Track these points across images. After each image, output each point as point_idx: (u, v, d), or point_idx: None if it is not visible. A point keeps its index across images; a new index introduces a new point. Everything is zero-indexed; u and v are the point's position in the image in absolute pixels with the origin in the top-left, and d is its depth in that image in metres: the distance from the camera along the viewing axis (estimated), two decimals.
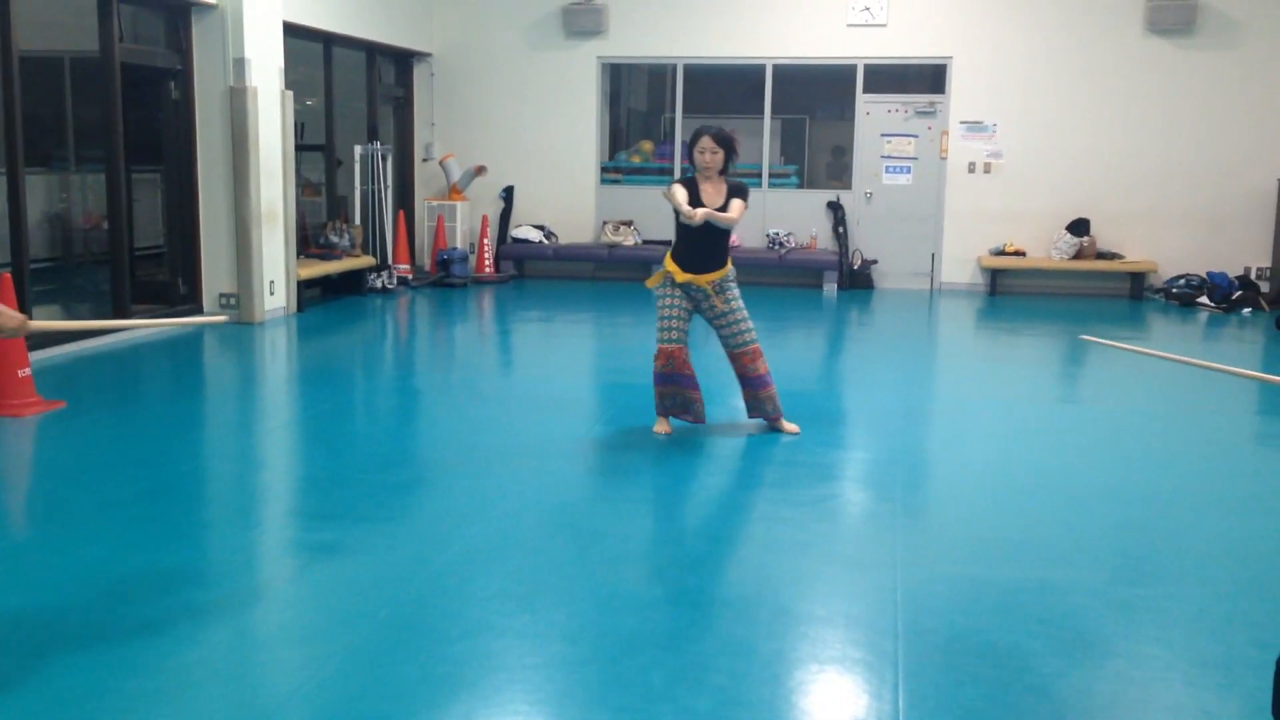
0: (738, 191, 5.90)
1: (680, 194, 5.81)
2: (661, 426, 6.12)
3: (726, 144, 5.83)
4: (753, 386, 6.09)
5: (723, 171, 5.92)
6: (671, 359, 5.96)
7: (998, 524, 4.75)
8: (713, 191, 5.89)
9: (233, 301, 9.76)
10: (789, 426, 6.16)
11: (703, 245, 5.90)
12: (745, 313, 6.05)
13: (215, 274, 9.80)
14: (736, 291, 6.02)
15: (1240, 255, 12.18)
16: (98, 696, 3.11)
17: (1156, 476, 5.52)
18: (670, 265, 5.98)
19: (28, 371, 6.45)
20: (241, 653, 3.50)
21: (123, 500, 4.89)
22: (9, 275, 6.72)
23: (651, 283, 6.09)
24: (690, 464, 5.71)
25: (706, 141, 5.83)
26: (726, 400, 6.72)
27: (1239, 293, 11.62)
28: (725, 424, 6.34)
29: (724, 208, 5.83)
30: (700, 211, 5.65)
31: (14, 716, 3.00)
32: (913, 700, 3.17)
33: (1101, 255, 12.40)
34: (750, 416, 6.23)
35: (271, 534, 4.65)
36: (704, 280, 5.93)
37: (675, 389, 6.05)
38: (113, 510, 4.74)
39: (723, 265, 5.96)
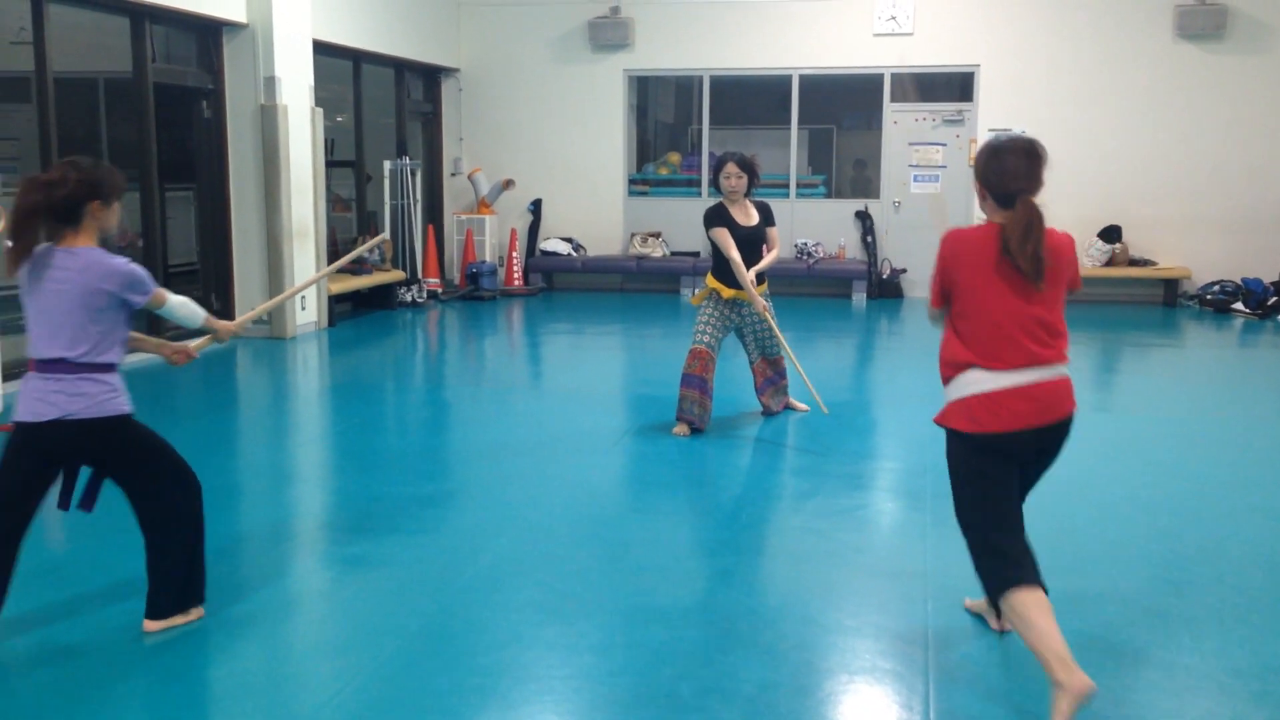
0: (768, 215, 6.50)
1: (730, 243, 6.28)
2: (681, 429, 6.33)
3: (749, 169, 6.40)
4: (778, 379, 6.69)
5: (747, 194, 6.45)
6: (698, 359, 6.27)
7: (1029, 533, 4.70)
8: (741, 213, 6.43)
9: (265, 317, 9.84)
10: (796, 404, 6.81)
11: (747, 263, 6.35)
12: (774, 326, 6.54)
13: (248, 290, 9.90)
14: (768, 307, 6.49)
15: (1276, 260, 12.04)
16: (132, 708, 3.15)
17: (1189, 484, 5.46)
18: (714, 283, 6.43)
19: None
20: (274, 664, 3.53)
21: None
22: None
23: (696, 300, 6.56)
24: (719, 474, 5.71)
25: (731, 168, 6.38)
26: (754, 411, 6.73)
27: (1275, 298, 11.49)
28: (753, 436, 6.33)
29: (758, 229, 6.42)
30: (757, 298, 6.31)
31: None
32: (943, 711, 3.15)
33: (1134, 262, 12.31)
34: (776, 410, 6.69)
35: (304, 547, 4.69)
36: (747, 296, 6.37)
37: (695, 394, 6.28)
38: None
39: (762, 280, 6.47)
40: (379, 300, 11.67)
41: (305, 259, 10.01)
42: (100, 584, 4.08)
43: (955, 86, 13.10)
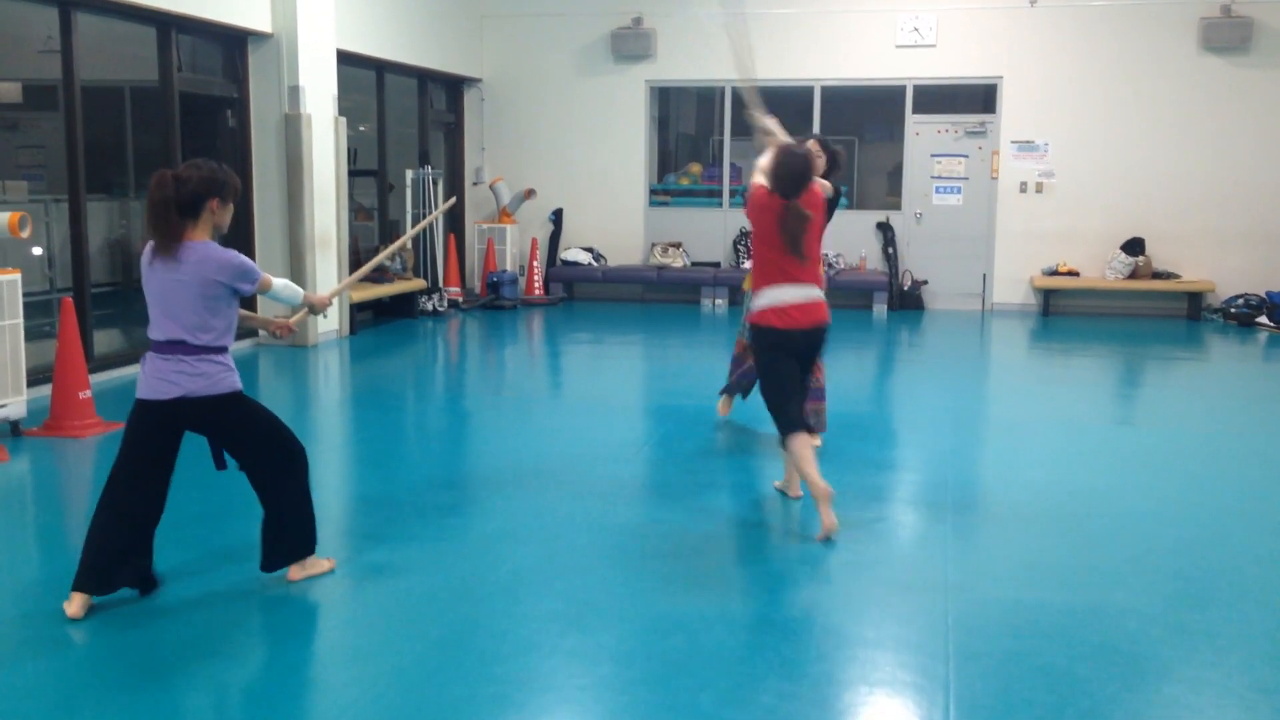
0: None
1: None
2: (722, 407, 6.73)
3: (829, 151, 5.93)
4: (810, 398, 6.20)
5: (829, 178, 6.05)
6: (746, 350, 6.45)
7: (1050, 547, 4.69)
8: None
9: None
10: (816, 441, 6.32)
11: None
12: None
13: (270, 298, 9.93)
14: None
15: None
16: (154, 714, 3.16)
17: (1213, 499, 5.42)
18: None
19: (88, 393, 6.58)
20: (293, 671, 3.54)
21: (180, 521, 4.96)
22: (70, 300, 6.88)
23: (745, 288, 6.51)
24: (739, 485, 5.70)
25: (813, 144, 5.89)
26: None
27: None
28: (773, 444, 6.32)
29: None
30: None
31: None
32: None
33: (1157, 275, 12.24)
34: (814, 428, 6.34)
35: (324, 554, 4.69)
36: None
37: (745, 375, 6.51)
38: (170, 530, 4.81)
39: None
40: (400, 309, 11.71)
41: (328, 267, 10.06)
42: (117, 594, 4.10)
43: (978, 98, 13.07)
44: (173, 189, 3.71)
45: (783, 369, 4.87)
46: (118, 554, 3.86)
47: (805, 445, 4.81)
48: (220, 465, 4.02)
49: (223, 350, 3.83)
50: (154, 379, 3.77)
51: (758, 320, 4.89)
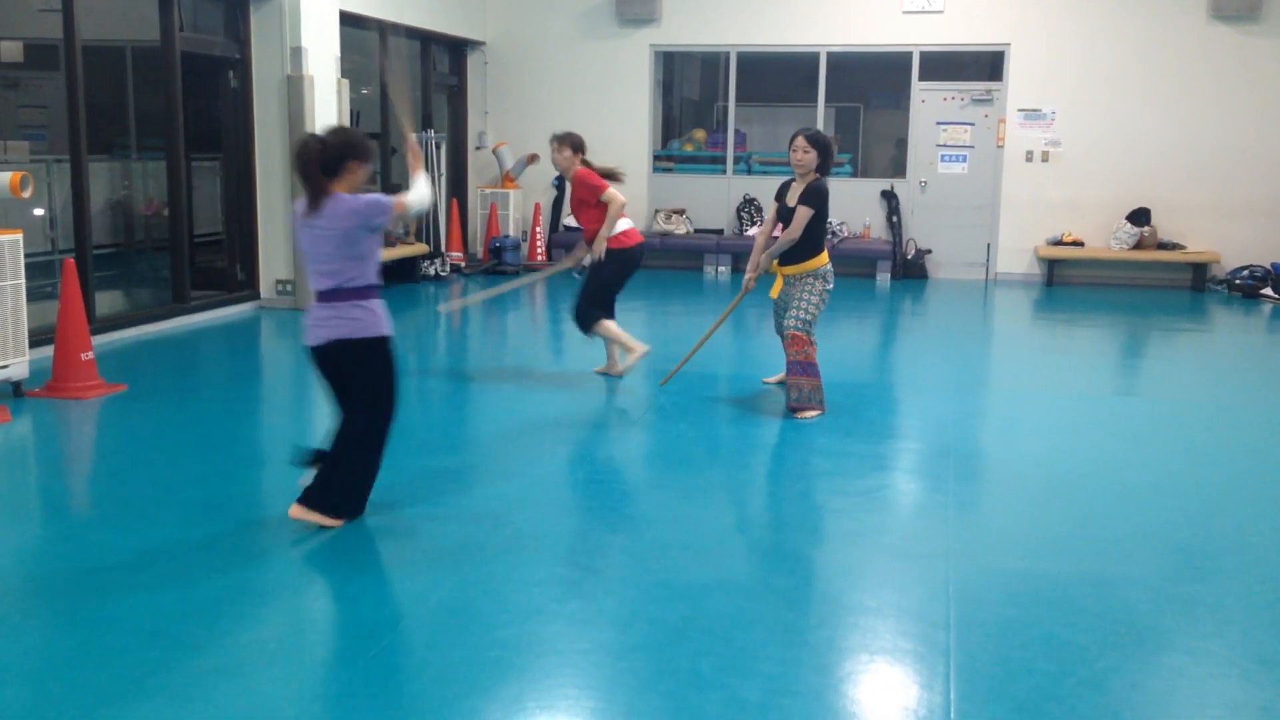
0: (805, 195, 6.12)
1: (769, 216, 6.46)
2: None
3: (819, 145, 6.08)
4: (789, 370, 6.25)
5: (819, 170, 6.13)
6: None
7: (1052, 517, 4.70)
8: (798, 191, 6.19)
9: (289, 288, 9.88)
10: (801, 415, 6.22)
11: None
12: (805, 304, 6.17)
13: (273, 260, 9.93)
14: (814, 287, 6.18)
15: None
16: (159, 674, 3.17)
17: (1215, 470, 5.42)
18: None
19: (90, 355, 6.58)
20: (294, 634, 3.55)
21: (182, 482, 4.98)
22: (72, 261, 6.86)
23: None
24: (740, 452, 5.70)
25: (799, 141, 6.11)
26: (776, 389, 6.70)
27: None
28: (775, 414, 6.32)
29: (795, 209, 6.14)
30: (748, 277, 6.49)
31: (80, 691, 3.07)
32: (964, 692, 3.14)
33: (1162, 246, 12.19)
34: (788, 405, 6.32)
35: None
36: (782, 271, 6.28)
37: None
38: (172, 491, 4.83)
39: (803, 260, 6.17)
40: (402, 273, 11.68)
41: None
42: (122, 555, 4.10)
43: (985, 66, 12.98)
44: (318, 149, 4.12)
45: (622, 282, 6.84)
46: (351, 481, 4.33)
47: (610, 323, 6.84)
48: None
49: (372, 294, 4.23)
50: (313, 326, 4.23)
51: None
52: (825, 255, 6.23)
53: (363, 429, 4.30)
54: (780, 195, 6.36)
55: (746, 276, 6.46)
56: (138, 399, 6.53)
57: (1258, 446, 5.93)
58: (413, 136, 5.20)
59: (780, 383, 6.67)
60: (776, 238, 6.30)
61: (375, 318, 4.23)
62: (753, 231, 12.61)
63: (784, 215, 6.26)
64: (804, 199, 6.10)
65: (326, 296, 4.20)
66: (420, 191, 4.45)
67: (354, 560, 4.13)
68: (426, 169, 12.15)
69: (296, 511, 4.31)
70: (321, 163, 4.11)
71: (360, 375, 4.27)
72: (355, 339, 4.19)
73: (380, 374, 4.31)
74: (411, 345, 9.00)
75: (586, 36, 13.33)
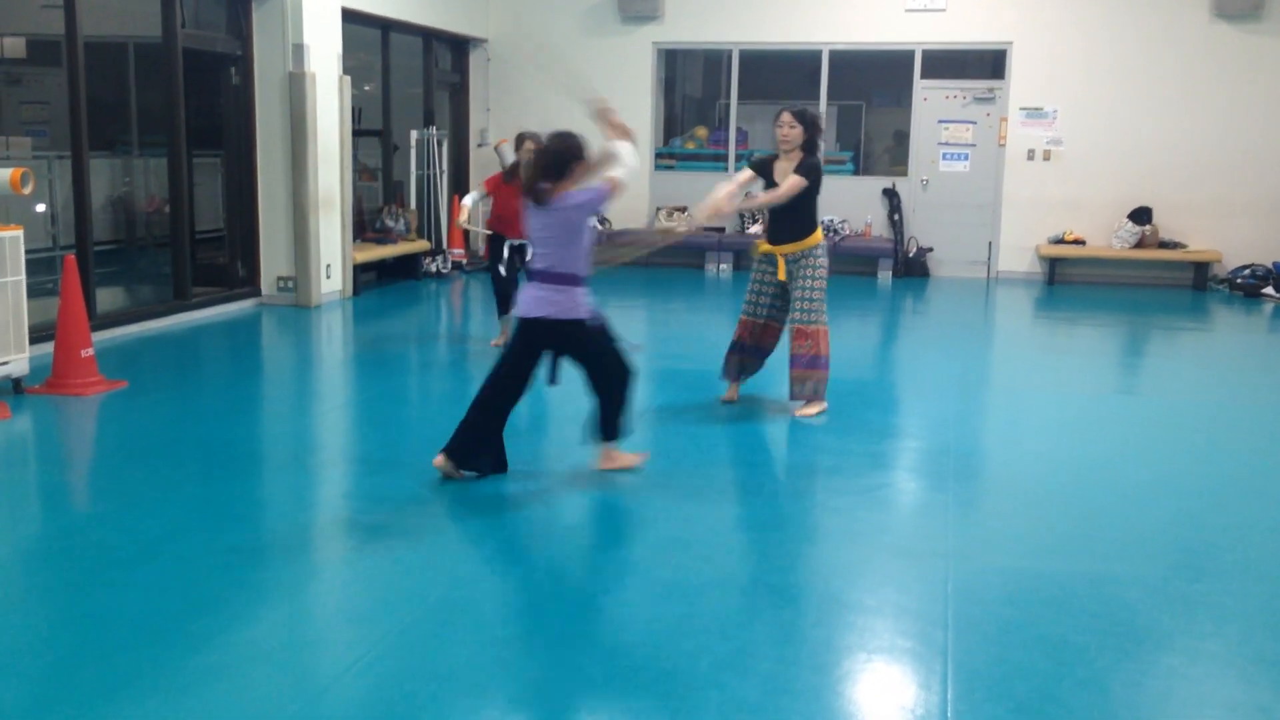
0: (799, 168, 5.94)
1: (741, 175, 6.18)
2: (728, 394, 6.41)
3: (805, 121, 5.96)
4: (792, 364, 6.13)
5: (805, 148, 5.97)
6: (744, 328, 6.27)
7: (1051, 516, 4.69)
8: (782, 169, 6.02)
9: (290, 285, 9.88)
10: (803, 411, 6.17)
11: (776, 217, 6.09)
12: (814, 291, 6.04)
13: (273, 258, 9.93)
14: (815, 268, 6.03)
15: None
16: (157, 671, 3.17)
17: (1216, 469, 5.42)
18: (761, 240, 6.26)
19: (90, 351, 6.58)
20: (295, 631, 3.56)
21: (181, 479, 4.98)
22: (73, 257, 6.86)
23: (754, 253, 6.36)
24: (741, 451, 5.70)
25: (785, 116, 6.00)
26: (776, 386, 6.70)
27: None
28: (777, 411, 6.32)
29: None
30: (674, 225, 6.15)
31: (74, 692, 3.07)
32: (962, 691, 3.14)
33: (1164, 244, 12.18)
34: (790, 399, 6.26)
35: (325, 515, 4.72)
36: (779, 251, 6.10)
37: (740, 359, 6.35)
38: (171, 488, 4.83)
39: (800, 238, 6.02)
40: (404, 270, 11.68)
41: (331, 227, 10.03)
42: (121, 553, 4.10)
43: (987, 64, 12.96)
44: (555, 149, 4.76)
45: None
46: (475, 442, 4.85)
47: None
48: (551, 380, 4.94)
49: (579, 282, 4.76)
50: (528, 301, 4.77)
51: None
52: (820, 233, 6.11)
53: (618, 372, 4.90)
54: (762, 169, 6.12)
55: (702, 214, 6.02)
56: (138, 396, 6.54)
57: (1258, 446, 5.92)
58: (612, 109, 5.26)
59: (729, 401, 6.45)
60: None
61: (574, 303, 4.74)
62: (754, 230, 12.60)
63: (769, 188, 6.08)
64: (799, 169, 5.91)
65: (543, 277, 4.75)
66: (626, 163, 4.84)
67: (352, 557, 4.13)
68: (428, 167, 12.18)
69: (605, 463, 5.01)
70: (553, 164, 4.72)
71: (573, 346, 4.84)
72: (555, 319, 4.73)
73: (595, 342, 4.85)
74: (412, 342, 9.00)
75: (589, 34, 13.31)
